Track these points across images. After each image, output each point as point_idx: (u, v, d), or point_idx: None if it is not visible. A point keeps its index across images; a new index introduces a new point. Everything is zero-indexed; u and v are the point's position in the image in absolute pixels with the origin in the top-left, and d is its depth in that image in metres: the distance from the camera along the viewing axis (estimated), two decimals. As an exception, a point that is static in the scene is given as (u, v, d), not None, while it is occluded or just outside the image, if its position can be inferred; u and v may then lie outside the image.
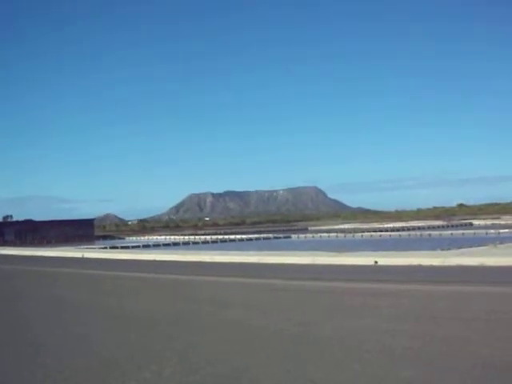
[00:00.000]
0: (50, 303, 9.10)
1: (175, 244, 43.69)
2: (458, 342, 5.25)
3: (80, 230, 71.78)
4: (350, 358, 4.79)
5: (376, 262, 14.89)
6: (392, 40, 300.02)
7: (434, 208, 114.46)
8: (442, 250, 18.47)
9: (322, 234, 50.85)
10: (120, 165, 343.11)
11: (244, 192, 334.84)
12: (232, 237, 49.62)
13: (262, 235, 51.68)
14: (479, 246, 20.32)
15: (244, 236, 51.17)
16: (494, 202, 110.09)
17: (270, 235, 52.03)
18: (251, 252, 21.71)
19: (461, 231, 46.21)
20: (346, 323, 6.46)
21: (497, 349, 4.92)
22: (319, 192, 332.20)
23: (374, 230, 54.32)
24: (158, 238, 61.05)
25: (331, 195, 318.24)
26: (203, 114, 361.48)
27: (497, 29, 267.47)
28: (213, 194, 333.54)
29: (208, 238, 51.91)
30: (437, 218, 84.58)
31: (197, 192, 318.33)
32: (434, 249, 19.79)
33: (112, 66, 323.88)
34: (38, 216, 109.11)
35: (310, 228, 73.47)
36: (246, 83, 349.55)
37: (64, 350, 5.66)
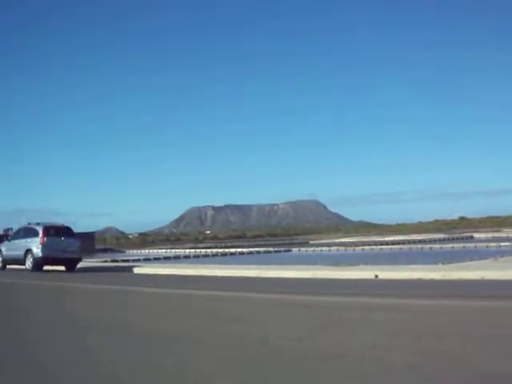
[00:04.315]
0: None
1: (176, 257, 43.54)
2: (458, 357, 5.24)
3: (81, 243, 71.56)
4: (348, 374, 4.78)
5: (376, 276, 14.87)
6: (394, 49, 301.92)
7: (435, 221, 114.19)
8: (443, 263, 18.45)
9: (323, 248, 50.71)
10: (120, 178, 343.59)
11: (245, 205, 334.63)
12: (232, 250, 49.55)
13: (263, 249, 51.52)
14: (480, 259, 20.28)
15: (244, 249, 50.98)
16: (495, 215, 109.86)
17: (271, 249, 51.84)
18: (251, 266, 21.66)
19: (461, 244, 46.04)
20: (345, 338, 6.44)
21: (496, 364, 4.91)
22: (320, 205, 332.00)
23: (375, 244, 54.16)
24: (159, 251, 60.87)
25: (332, 208, 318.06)
26: (203, 127, 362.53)
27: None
28: (214, 208, 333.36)
29: (209, 251, 51.71)
30: (438, 231, 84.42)
31: (197, 205, 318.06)
32: (434, 262, 19.75)
33: (115, 78, 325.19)
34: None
35: (310, 242, 73.26)
36: (243, 94, 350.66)
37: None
